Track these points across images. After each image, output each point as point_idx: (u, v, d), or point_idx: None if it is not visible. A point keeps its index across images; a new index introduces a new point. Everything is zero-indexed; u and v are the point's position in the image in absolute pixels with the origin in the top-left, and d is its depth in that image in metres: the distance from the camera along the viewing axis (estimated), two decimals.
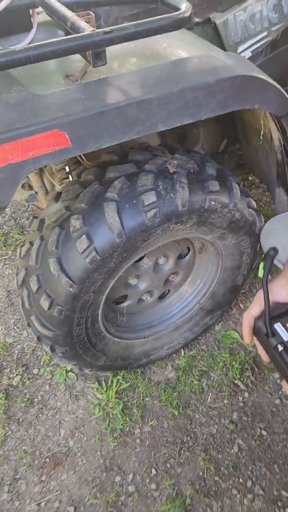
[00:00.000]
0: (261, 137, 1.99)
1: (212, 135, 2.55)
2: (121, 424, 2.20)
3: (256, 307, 0.97)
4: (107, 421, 2.21)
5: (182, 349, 2.46)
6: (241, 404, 2.25)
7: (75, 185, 1.78)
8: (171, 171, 1.75)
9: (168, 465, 2.08)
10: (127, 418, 2.22)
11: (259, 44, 2.26)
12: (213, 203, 1.79)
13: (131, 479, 2.05)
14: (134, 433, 2.19)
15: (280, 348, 0.90)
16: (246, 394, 2.29)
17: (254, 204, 2.02)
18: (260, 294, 0.95)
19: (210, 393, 2.30)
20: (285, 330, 0.92)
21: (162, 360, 2.43)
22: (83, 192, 1.72)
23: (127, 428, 2.20)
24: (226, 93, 1.54)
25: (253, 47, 2.26)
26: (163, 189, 1.71)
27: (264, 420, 2.20)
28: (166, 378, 2.38)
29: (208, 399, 2.28)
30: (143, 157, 1.80)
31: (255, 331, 0.97)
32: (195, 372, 2.36)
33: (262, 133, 1.96)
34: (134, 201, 1.68)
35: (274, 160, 2.09)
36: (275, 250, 0.95)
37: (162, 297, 2.33)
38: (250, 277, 2.36)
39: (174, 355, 2.46)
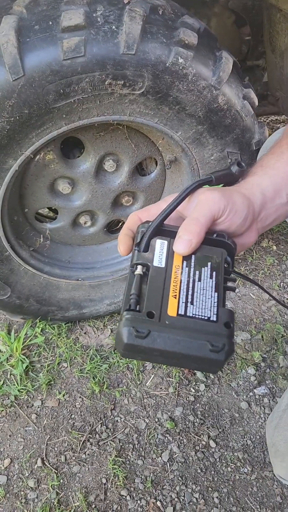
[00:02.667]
0: None
1: (230, 39, 1.91)
2: (18, 390, 1.57)
3: (152, 208, 0.67)
4: (1, 382, 1.59)
5: None
6: (192, 399, 1.57)
7: None
8: (125, 1, 1.12)
9: (63, 458, 1.43)
10: (29, 384, 1.58)
11: None
12: (181, 61, 1.14)
13: (5, 467, 1.41)
14: (32, 405, 1.55)
15: (139, 270, 0.59)
16: (203, 387, 1.60)
17: (254, 99, 1.35)
18: (173, 196, 0.65)
19: (153, 375, 1.63)
20: (163, 254, 0.60)
21: (99, 318, 1.79)
22: None
23: (25, 397, 1.56)
24: None
25: None
26: (101, 16, 1.07)
27: (218, 426, 1.51)
28: (99, 344, 1.73)
29: (148, 382, 1.62)
30: None
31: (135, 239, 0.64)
32: None
33: None
34: (50, 22, 1.05)
35: None
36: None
37: (112, 230, 1.69)
38: None
39: (119, 315, 1.80)
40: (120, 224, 1.70)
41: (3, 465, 1.41)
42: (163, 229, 0.62)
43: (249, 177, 0.70)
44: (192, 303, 0.56)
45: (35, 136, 1.19)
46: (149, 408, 1.55)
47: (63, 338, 1.72)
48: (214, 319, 0.55)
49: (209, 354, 0.52)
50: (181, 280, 0.58)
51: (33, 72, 1.05)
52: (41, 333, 1.72)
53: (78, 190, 1.47)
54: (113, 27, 1.07)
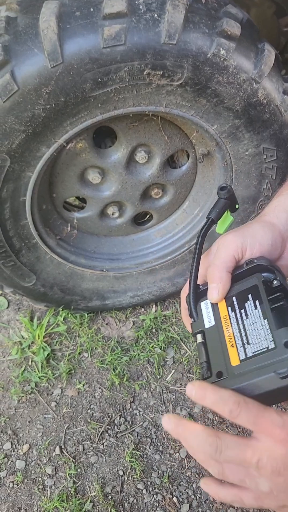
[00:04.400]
0: None
1: (269, 30, 1.85)
2: (39, 377, 1.58)
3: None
4: (22, 368, 1.60)
5: (153, 304, 1.80)
6: None
7: None
8: None
9: (81, 448, 1.43)
10: (50, 372, 1.59)
11: None
12: (223, 52, 1.10)
13: (24, 452, 1.43)
14: (52, 393, 1.56)
15: (198, 339, 0.62)
16: None
17: None
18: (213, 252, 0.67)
19: (173, 370, 1.62)
20: (210, 312, 0.62)
21: (122, 310, 1.78)
22: None
23: (45, 384, 1.57)
24: None
25: None
26: (143, 3, 1.04)
27: (237, 426, 1.49)
28: (120, 336, 1.72)
29: (168, 377, 1.61)
30: None
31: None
32: (162, 337, 1.68)
33: None
34: (91, 9, 1.03)
35: None
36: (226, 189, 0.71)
37: (138, 222, 1.67)
38: None
39: (141, 308, 1.80)
40: (147, 216, 1.68)
41: (22, 451, 1.42)
42: (201, 291, 0.65)
43: (273, 199, 0.71)
44: (248, 343, 0.57)
45: (70, 124, 1.17)
46: (168, 403, 1.54)
47: (85, 328, 1.72)
48: (272, 346, 0.54)
49: (282, 383, 0.52)
50: (232, 327, 0.59)
51: (72, 60, 1.03)
52: (63, 321, 1.73)
53: (108, 180, 1.45)
54: (155, 15, 1.04)
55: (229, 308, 0.61)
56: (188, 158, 1.51)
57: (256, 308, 0.58)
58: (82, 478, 1.37)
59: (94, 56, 1.03)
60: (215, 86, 1.16)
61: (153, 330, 1.72)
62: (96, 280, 1.65)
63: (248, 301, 0.59)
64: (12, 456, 1.41)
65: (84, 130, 1.25)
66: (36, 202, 1.37)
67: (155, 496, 1.33)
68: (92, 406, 1.53)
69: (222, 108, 1.22)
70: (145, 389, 1.57)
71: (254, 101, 1.21)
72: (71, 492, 1.34)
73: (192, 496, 1.34)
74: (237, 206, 0.73)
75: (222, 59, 1.11)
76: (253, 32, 1.22)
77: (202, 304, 0.64)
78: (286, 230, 0.67)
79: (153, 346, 1.67)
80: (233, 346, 0.57)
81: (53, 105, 1.10)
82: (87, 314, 1.75)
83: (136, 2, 1.04)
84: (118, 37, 1.02)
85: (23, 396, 1.54)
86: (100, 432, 1.46)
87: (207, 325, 0.62)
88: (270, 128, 1.29)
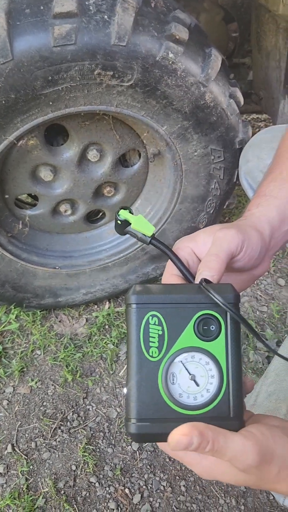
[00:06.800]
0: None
1: (218, 35, 1.92)
2: None
3: None
4: None
5: (107, 301, 1.82)
6: None
7: None
8: None
9: (33, 444, 1.43)
10: (1, 370, 1.58)
11: None
12: (171, 56, 1.14)
13: None
14: (3, 392, 1.55)
15: None
16: None
17: (240, 98, 1.37)
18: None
19: (126, 365, 1.65)
20: None
21: (75, 307, 1.79)
22: None
23: None
24: None
25: None
26: (93, 4, 1.06)
27: None
28: (73, 332, 1.73)
29: (121, 372, 1.63)
30: None
31: None
32: (115, 333, 1.71)
33: None
34: (41, 7, 1.04)
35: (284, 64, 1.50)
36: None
37: (91, 220, 1.69)
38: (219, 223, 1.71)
39: (94, 305, 1.81)
40: (100, 214, 1.70)
41: None
42: None
43: (254, 208, 0.69)
44: None
45: (20, 121, 1.17)
46: (121, 398, 1.57)
47: (38, 325, 1.72)
48: None
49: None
50: None
51: (22, 57, 1.03)
52: (16, 319, 1.71)
53: (60, 178, 1.46)
54: (105, 16, 1.06)
55: None
56: (140, 158, 1.54)
57: None
58: (35, 474, 1.37)
59: (44, 55, 1.04)
60: (164, 88, 1.19)
61: (106, 327, 1.75)
62: (48, 277, 1.65)
63: None
64: None
65: (35, 128, 1.25)
66: None
67: (107, 488, 1.36)
68: (44, 403, 1.53)
69: (171, 109, 1.26)
70: (98, 384, 1.59)
71: (202, 104, 1.26)
72: (23, 489, 1.34)
73: (144, 487, 1.37)
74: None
75: (170, 62, 1.15)
76: (201, 37, 1.27)
77: None
78: (268, 242, 0.66)
79: (106, 342, 1.69)
80: None
81: (3, 102, 1.09)
82: (40, 311, 1.74)
83: (86, 3, 1.06)
84: (68, 36, 1.03)
85: None
86: (53, 428, 1.46)
87: None
88: (217, 130, 1.35)
